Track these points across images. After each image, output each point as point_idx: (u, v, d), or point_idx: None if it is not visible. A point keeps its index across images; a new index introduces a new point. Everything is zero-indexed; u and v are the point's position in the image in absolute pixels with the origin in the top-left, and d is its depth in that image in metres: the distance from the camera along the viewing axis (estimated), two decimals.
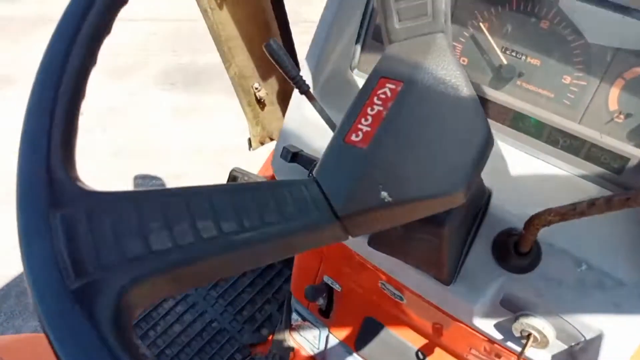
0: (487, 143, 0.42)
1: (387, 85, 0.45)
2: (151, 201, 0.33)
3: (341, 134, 0.44)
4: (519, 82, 0.64)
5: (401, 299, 0.83)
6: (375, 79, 0.45)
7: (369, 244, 0.62)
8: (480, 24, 0.64)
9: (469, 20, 0.65)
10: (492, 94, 0.66)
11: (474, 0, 0.63)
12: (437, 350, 0.90)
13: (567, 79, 0.61)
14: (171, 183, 2.44)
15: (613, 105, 0.59)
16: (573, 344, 0.60)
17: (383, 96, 0.44)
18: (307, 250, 0.42)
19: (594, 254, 0.56)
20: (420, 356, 0.91)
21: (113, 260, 0.29)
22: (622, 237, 0.56)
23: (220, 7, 0.93)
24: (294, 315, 1.12)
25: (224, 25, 0.97)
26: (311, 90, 0.68)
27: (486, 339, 0.74)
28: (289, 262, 1.09)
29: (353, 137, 0.43)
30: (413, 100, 0.43)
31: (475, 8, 0.64)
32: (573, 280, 0.57)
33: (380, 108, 0.44)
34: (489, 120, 0.68)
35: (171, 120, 2.82)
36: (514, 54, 0.63)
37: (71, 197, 0.31)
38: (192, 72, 3.11)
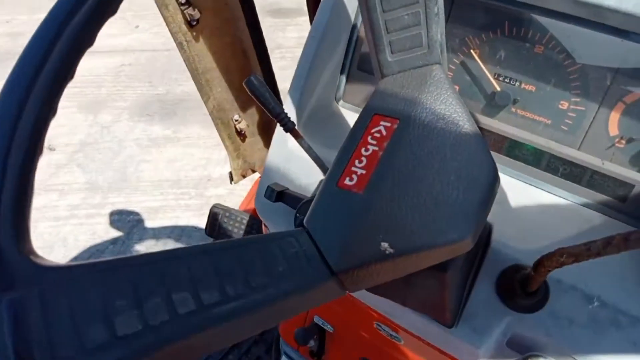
0: (494, 181, 0.39)
1: (382, 122, 0.41)
2: (118, 273, 0.28)
3: (334, 177, 0.40)
4: (513, 109, 0.61)
5: (399, 340, 0.78)
6: (369, 116, 0.41)
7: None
8: (471, 51, 0.61)
9: (460, 46, 0.62)
10: (486, 121, 0.63)
11: (463, 26, 0.61)
12: None
13: (565, 105, 0.58)
14: (149, 217, 2.36)
15: (614, 130, 0.56)
16: None
17: (378, 135, 0.40)
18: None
19: (607, 289, 0.52)
20: None
21: (70, 354, 0.24)
22: (636, 270, 0.53)
23: (196, 39, 0.90)
24: (284, 359, 1.05)
25: (201, 57, 0.94)
26: (296, 125, 0.64)
27: None
28: None
29: (347, 181, 0.39)
30: (411, 138, 0.39)
31: (465, 34, 0.61)
32: (585, 318, 0.53)
33: (376, 148, 0.40)
34: None
35: (148, 152, 2.75)
36: (507, 80, 0.60)
37: (22, 277, 0.25)
38: (169, 103, 3.06)
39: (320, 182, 0.62)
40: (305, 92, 0.66)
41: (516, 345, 0.59)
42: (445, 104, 0.40)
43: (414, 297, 0.56)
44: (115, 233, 2.30)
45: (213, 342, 0.30)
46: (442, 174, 0.38)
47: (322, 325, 0.94)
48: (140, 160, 2.69)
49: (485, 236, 0.58)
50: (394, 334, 0.77)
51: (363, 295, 0.71)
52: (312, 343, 0.97)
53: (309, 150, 0.55)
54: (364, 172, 0.39)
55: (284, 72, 0.71)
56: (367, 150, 0.40)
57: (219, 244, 0.35)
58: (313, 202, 0.40)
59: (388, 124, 0.41)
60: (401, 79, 0.43)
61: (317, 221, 0.38)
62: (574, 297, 0.53)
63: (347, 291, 0.38)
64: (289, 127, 0.54)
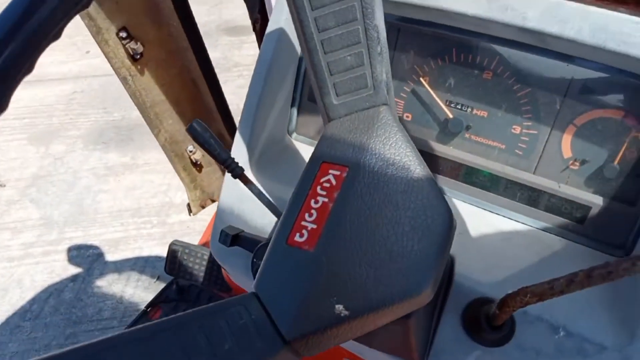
0: (450, 227, 0.37)
1: (331, 171, 0.39)
2: None
3: (283, 234, 0.37)
4: (467, 135, 0.61)
5: None
6: (317, 164, 0.39)
7: None
8: (421, 79, 0.60)
9: (409, 74, 0.61)
10: (440, 149, 0.62)
11: (412, 54, 0.60)
12: None
13: (517, 129, 0.58)
14: (110, 250, 2.26)
15: (567, 152, 0.56)
16: None
17: (327, 185, 0.38)
18: None
19: (572, 318, 0.52)
20: None
21: None
22: (599, 298, 0.52)
23: (141, 73, 0.86)
24: None
25: (148, 90, 0.90)
26: (247, 163, 0.61)
27: None
28: None
29: (297, 238, 0.37)
30: (361, 187, 0.37)
31: (414, 62, 0.60)
32: (552, 349, 0.52)
33: (326, 200, 0.37)
34: (440, 177, 0.64)
35: (105, 181, 2.65)
36: (459, 106, 0.60)
37: None
38: (125, 129, 2.97)
39: (276, 223, 0.59)
40: (255, 128, 0.64)
41: None
42: (394, 147, 0.38)
43: (379, 340, 0.54)
44: (74, 270, 2.19)
45: None
46: (395, 225, 0.36)
47: None
48: (97, 190, 2.59)
49: (447, 270, 0.56)
50: None
51: None
52: None
53: (260, 195, 0.53)
54: (314, 226, 0.37)
55: (242, 90, 0.68)
56: (316, 202, 0.38)
57: (158, 324, 0.31)
58: (262, 262, 0.37)
59: (337, 172, 0.38)
60: (348, 122, 0.41)
61: (267, 284, 0.35)
62: (539, 328, 0.52)
63: (300, 358, 0.36)
64: (237, 173, 0.51)
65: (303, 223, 0.37)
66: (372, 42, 0.39)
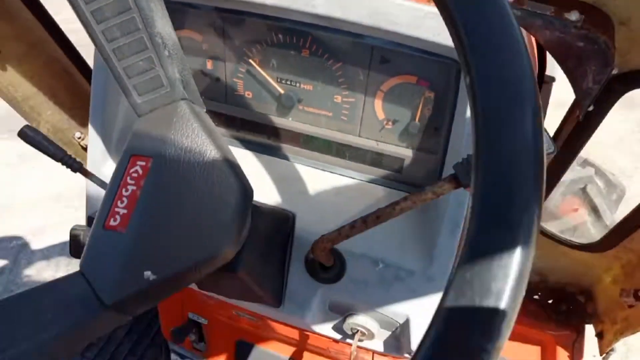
0: (244, 197, 0.45)
1: (138, 162, 0.45)
2: None
3: (100, 220, 0.44)
4: (300, 107, 0.68)
5: (256, 320, 0.86)
6: (127, 158, 0.46)
7: (199, 287, 0.63)
8: (251, 60, 0.66)
9: (242, 57, 0.67)
10: (280, 122, 0.70)
11: (241, 39, 0.66)
12: (306, 353, 0.94)
13: (339, 98, 0.66)
14: (35, 239, 2.24)
15: (380, 115, 0.65)
16: (394, 329, 0.67)
17: (135, 175, 0.45)
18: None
19: (388, 252, 0.62)
20: None
21: None
22: (407, 233, 0.63)
23: (3, 69, 0.86)
24: (173, 356, 1.10)
25: (16, 86, 0.90)
26: (107, 152, 0.66)
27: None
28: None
29: (112, 222, 0.43)
30: (164, 174, 0.44)
31: (243, 46, 0.66)
32: (375, 279, 0.63)
33: (134, 187, 0.44)
34: (285, 145, 0.72)
35: (18, 169, 2.57)
36: (289, 82, 0.67)
37: None
38: None
39: None
40: (106, 120, 0.69)
41: (337, 309, 0.69)
42: (191, 136, 0.45)
43: (232, 292, 0.63)
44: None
45: None
46: (194, 202, 0.43)
47: (197, 320, 0.99)
48: (11, 181, 2.51)
49: (289, 226, 0.65)
50: (249, 316, 0.85)
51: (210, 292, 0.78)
52: (192, 337, 1.02)
53: (102, 185, 0.59)
54: (125, 211, 0.44)
55: None
56: (127, 190, 0.45)
57: None
58: (85, 245, 0.44)
59: (143, 163, 0.45)
60: (154, 117, 0.47)
61: (89, 262, 0.42)
62: (365, 263, 0.63)
63: (129, 316, 0.44)
64: (75, 168, 0.56)
65: (116, 209, 0.44)
66: (158, 48, 0.45)
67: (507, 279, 0.23)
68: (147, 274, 0.41)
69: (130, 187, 0.45)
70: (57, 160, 0.55)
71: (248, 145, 0.74)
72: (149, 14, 0.44)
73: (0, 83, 0.87)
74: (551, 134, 0.85)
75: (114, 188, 0.45)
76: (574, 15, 0.53)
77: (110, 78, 0.68)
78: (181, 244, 0.42)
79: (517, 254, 0.23)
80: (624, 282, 0.95)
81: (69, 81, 0.99)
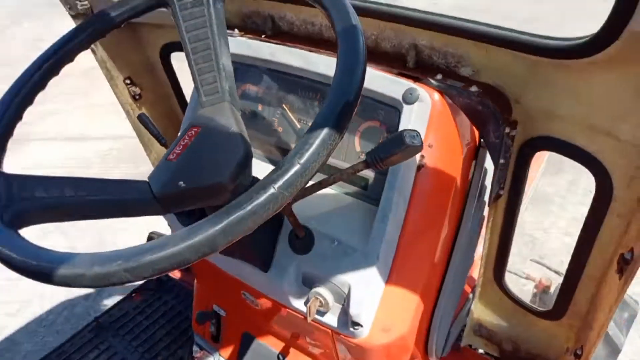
0: (246, 155, 0.77)
1: (194, 129, 0.81)
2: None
3: (166, 155, 0.79)
4: None
5: (257, 305, 1.11)
6: (189, 127, 0.81)
7: None
8: (284, 105, 1.04)
9: (279, 104, 1.05)
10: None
11: (278, 91, 1.04)
12: (292, 350, 1.15)
13: None
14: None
15: (358, 147, 0.97)
16: (344, 302, 0.90)
17: (191, 134, 0.80)
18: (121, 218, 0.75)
19: (341, 232, 0.89)
20: (281, 358, 1.16)
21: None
22: (356, 218, 0.90)
23: (139, 109, 1.33)
24: (195, 347, 1.35)
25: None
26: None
27: (318, 328, 1.00)
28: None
29: (171, 157, 0.78)
30: (202, 135, 0.79)
31: (281, 96, 1.04)
32: (332, 254, 0.89)
33: (188, 140, 0.79)
34: None
35: (125, 221, 3.11)
36: (304, 122, 1.02)
37: None
38: None
39: None
40: None
41: (308, 282, 0.94)
42: (225, 121, 0.80)
43: (239, 252, 0.93)
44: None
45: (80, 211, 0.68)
46: (216, 151, 0.77)
47: (218, 312, 1.26)
48: (117, 228, 3.05)
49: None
50: (252, 298, 1.11)
51: (228, 267, 1.07)
52: (212, 328, 1.28)
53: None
54: (179, 150, 0.79)
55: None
56: (184, 141, 0.79)
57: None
58: (154, 169, 0.78)
59: (196, 129, 0.81)
60: (209, 108, 0.84)
61: (153, 175, 0.76)
62: (325, 240, 0.90)
63: (165, 211, 0.76)
64: (162, 143, 0.94)
65: (176, 150, 0.78)
66: (220, 72, 0.83)
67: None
68: (180, 183, 0.74)
69: (185, 140, 0.80)
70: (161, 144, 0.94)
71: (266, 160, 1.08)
72: (218, 51, 0.83)
73: (133, 118, 1.33)
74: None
75: (178, 139, 0.81)
76: (474, 88, 0.84)
77: None
78: (202, 171, 0.75)
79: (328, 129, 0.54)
80: (575, 346, 1.04)
81: (176, 122, 1.44)
